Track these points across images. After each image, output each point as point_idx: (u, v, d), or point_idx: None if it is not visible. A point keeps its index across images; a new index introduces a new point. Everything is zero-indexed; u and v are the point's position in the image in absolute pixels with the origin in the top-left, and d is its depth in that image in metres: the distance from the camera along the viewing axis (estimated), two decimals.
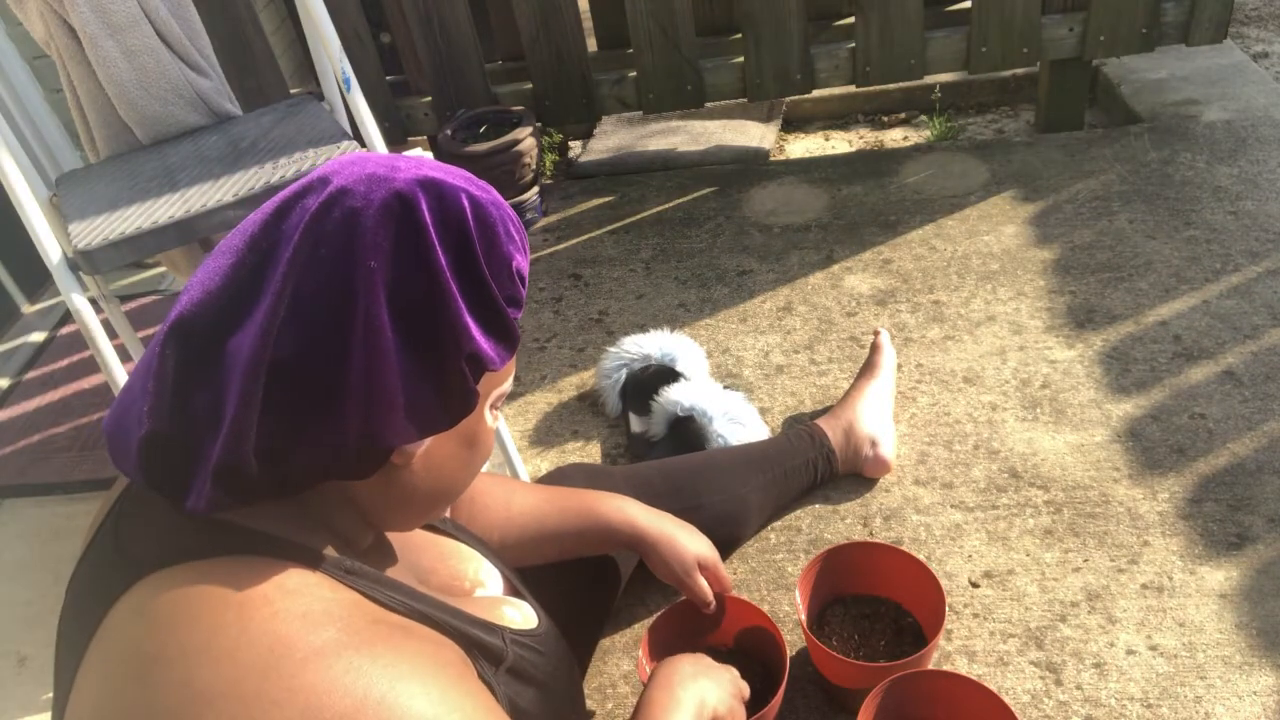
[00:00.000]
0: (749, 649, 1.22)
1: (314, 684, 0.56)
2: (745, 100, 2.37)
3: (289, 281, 0.60)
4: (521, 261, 0.68)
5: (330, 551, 0.67)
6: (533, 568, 1.11)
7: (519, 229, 0.69)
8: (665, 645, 1.19)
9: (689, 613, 1.21)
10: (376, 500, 0.70)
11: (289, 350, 0.60)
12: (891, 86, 2.74)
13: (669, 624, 1.21)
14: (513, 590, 0.92)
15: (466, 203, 0.64)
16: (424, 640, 0.65)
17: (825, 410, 1.60)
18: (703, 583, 1.16)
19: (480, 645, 0.73)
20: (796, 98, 2.61)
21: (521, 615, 0.85)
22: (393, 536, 0.82)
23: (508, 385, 0.73)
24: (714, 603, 1.18)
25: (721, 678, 0.99)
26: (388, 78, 2.42)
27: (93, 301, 1.33)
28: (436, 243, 0.63)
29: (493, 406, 0.73)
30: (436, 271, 0.62)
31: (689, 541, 1.16)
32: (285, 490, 0.64)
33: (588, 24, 2.37)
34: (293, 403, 0.61)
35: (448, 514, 1.00)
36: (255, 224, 0.63)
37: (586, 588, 1.26)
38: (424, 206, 0.63)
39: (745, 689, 1.04)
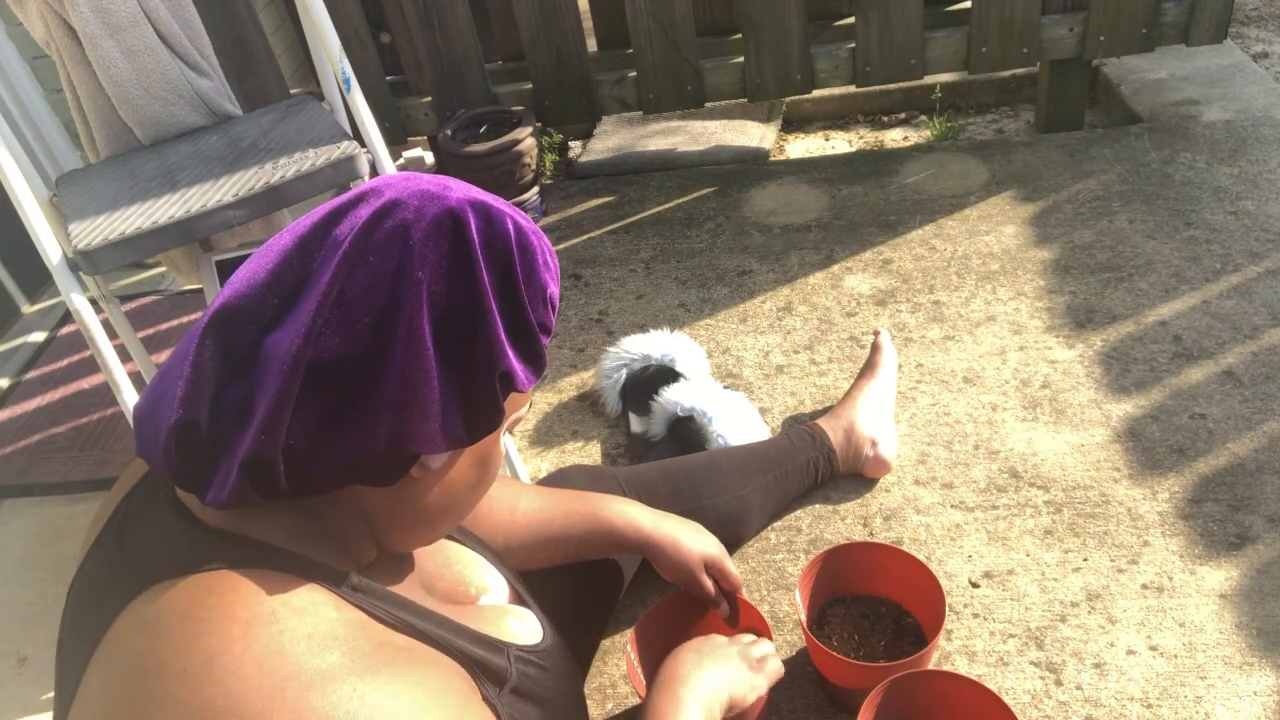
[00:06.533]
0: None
1: (316, 708, 0.56)
2: (745, 100, 2.37)
3: (336, 284, 0.61)
4: (555, 290, 0.71)
5: (337, 566, 0.67)
6: (534, 570, 1.11)
7: (554, 259, 0.71)
8: (652, 643, 1.19)
9: (677, 608, 1.21)
10: (388, 514, 0.70)
11: (330, 351, 0.61)
12: (891, 86, 2.74)
13: (654, 622, 1.20)
14: (517, 598, 0.92)
15: (512, 228, 0.67)
16: (428, 664, 0.65)
17: (825, 410, 1.60)
18: (707, 582, 1.15)
19: (484, 666, 0.73)
20: (796, 98, 2.61)
21: (526, 628, 0.85)
22: None
23: (523, 411, 0.75)
24: (721, 602, 1.17)
25: (728, 656, 0.97)
26: (388, 78, 2.42)
27: (93, 301, 1.33)
28: (482, 261, 0.65)
29: (506, 430, 0.74)
30: (480, 289, 0.64)
31: (693, 541, 1.15)
32: (308, 490, 0.64)
33: (588, 24, 2.36)
34: (328, 402, 0.62)
35: None
36: (306, 226, 0.65)
37: (588, 590, 1.25)
38: (473, 226, 0.65)
39: (761, 649, 1.02)
